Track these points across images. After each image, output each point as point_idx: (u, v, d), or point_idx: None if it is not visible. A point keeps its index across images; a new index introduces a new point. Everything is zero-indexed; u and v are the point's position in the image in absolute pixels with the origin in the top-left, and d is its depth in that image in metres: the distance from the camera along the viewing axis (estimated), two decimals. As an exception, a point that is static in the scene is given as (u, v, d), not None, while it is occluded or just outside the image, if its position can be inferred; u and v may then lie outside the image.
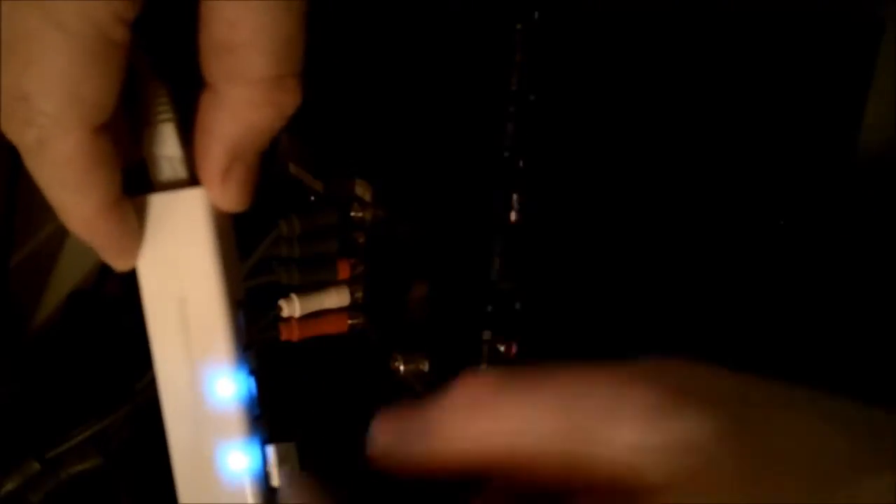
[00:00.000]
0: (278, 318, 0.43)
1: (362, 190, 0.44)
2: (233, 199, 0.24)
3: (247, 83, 0.22)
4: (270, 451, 0.26)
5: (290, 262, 0.43)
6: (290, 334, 0.43)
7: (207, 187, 0.24)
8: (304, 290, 0.43)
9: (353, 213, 0.44)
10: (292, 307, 0.42)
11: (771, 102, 0.43)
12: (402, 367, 0.40)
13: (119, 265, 0.25)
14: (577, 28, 0.36)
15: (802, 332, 0.49)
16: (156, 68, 0.24)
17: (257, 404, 0.26)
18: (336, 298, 0.44)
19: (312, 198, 0.48)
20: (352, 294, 0.44)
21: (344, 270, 0.44)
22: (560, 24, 0.36)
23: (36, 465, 0.42)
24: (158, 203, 0.24)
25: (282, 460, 0.26)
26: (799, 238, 0.46)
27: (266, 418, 0.27)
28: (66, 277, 0.61)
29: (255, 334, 0.43)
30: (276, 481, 0.26)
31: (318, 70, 0.46)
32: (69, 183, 0.22)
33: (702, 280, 0.45)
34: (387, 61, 0.41)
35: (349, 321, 0.44)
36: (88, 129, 0.21)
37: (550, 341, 0.41)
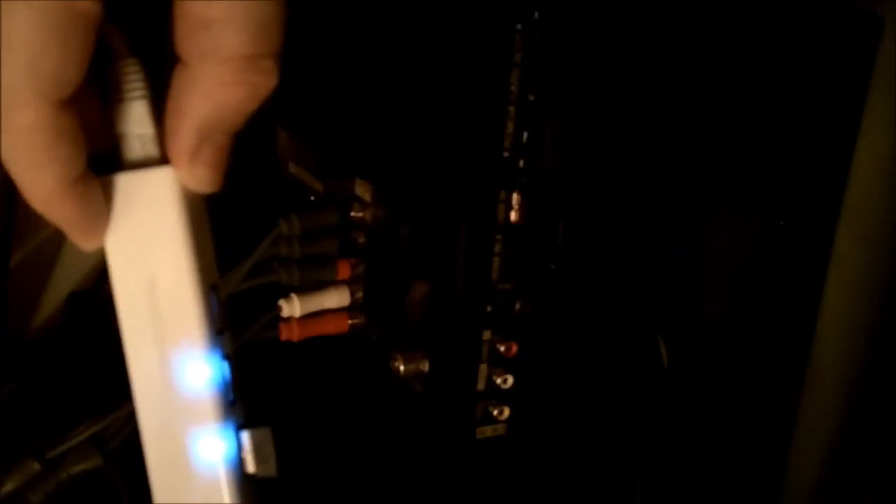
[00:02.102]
0: (278, 318, 0.43)
1: (362, 190, 0.44)
2: (201, 180, 0.24)
3: (220, 61, 0.22)
4: (245, 436, 0.25)
5: (290, 262, 0.43)
6: (290, 334, 0.43)
7: (176, 166, 0.24)
8: (304, 290, 0.43)
9: (353, 213, 0.44)
10: (292, 307, 0.42)
11: (770, 101, 0.43)
12: (402, 367, 0.40)
13: (85, 245, 0.24)
14: (576, 28, 0.36)
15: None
16: (130, 44, 0.24)
17: (231, 389, 0.26)
18: (336, 298, 0.44)
19: (312, 198, 0.48)
20: (352, 294, 0.44)
21: (344, 270, 0.44)
22: (560, 24, 0.36)
23: (36, 465, 0.42)
24: (127, 182, 0.24)
25: (257, 446, 0.25)
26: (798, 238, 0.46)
27: (241, 403, 0.26)
28: (66, 277, 0.61)
29: (255, 334, 0.43)
30: (251, 467, 0.26)
31: (318, 69, 0.47)
32: (28, 157, 0.22)
33: (702, 280, 0.45)
34: (386, 61, 0.41)
35: (349, 321, 0.44)
36: (49, 103, 0.21)
37: (550, 341, 0.41)
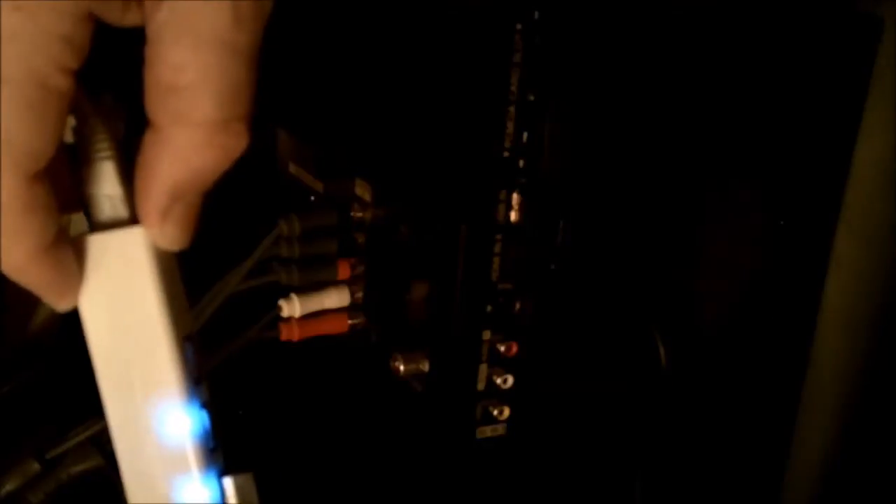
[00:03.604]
0: (278, 318, 0.43)
1: (362, 190, 0.44)
2: (172, 239, 0.24)
3: (192, 125, 0.22)
4: (228, 482, 0.26)
5: (290, 262, 0.43)
6: (290, 334, 0.43)
7: (146, 226, 0.24)
8: (304, 290, 0.43)
9: (353, 213, 0.44)
10: (292, 307, 0.42)
11: (770, 102, 0.43)
12: (402, 367, 0.40)
13: (59, 306, 0.24)
14: (576, 28, 0.36)
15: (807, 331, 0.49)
16: (96, 106, 0.24)
17: (212, 437, 0.26)
18: (336, 298, 0.44)
19: (312, 198, 0.48)
20: (352, 294, 0.44)
21: (344, 270, 0.44)
22: (560, 24, 0.36)
23: (36, 465, 0.42)
24: (98, 243, 0.24)
25: (240, 491, 0.26)
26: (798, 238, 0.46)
27: (221, 450, 0.26)
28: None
29: (256, 334, 0.43)
30: None
31: (318, 69, 0.47)
32: (0, 229, 0.22)
33: (701, 279, 0.45)
34: (386, 61, 0.41)
35: (349, 321, 0.44)
36: (21, 177, 0.21)
37: (550, 341, 0.41)
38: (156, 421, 0.25)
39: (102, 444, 0.42)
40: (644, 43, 0.38)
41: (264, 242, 0.42)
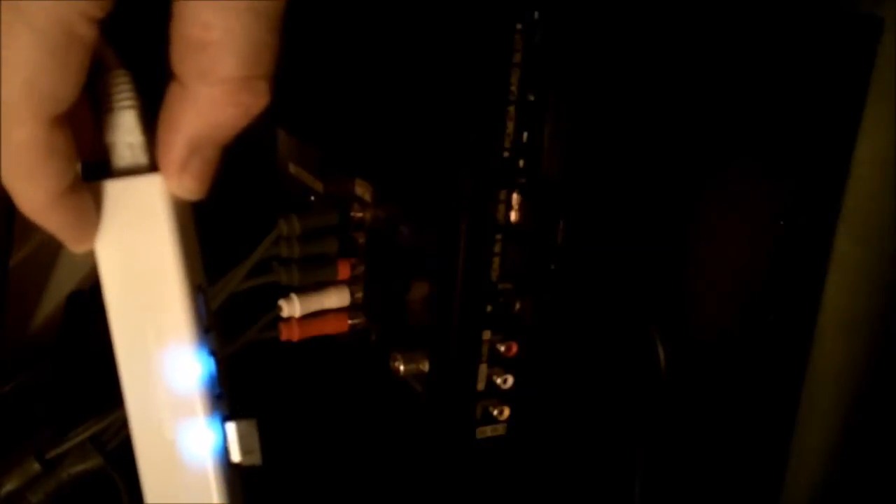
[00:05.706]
0: (278, 318, 0.43)
1: (362, 190, 0.44)
2: (189, 189, 0.25)
3: (215, 82, 0.23)
4: (231, 427, 0.26)
5: (290, 262, 0.43)
6: (290, 334, 0.43)
7: (165, 176, 0.25)
8: (304, 290, 0.43)
9: (353, 213, 0.44)
10: (292, 307, 0.42)
11: (770, 102, 0.43)
12: (402, 367, 0.40)
13: (76, 249, 0.25)
14: (576, 27, 0.36)
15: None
16: (119, 56, 0.25)
17: (218, 384, 0.27)
18: (336, 298, 0.44)
19: (312, 198, 0.48)
20: (352, 294, 0.44)
21: (344, 270, 0.44)
22: (560, 23, 0.36)
23: (36, 465, 0.42)
24: (117, 189, 0.25)
25: (242, 437, 0.26)
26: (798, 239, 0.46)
27: (226, 397, 0.27)
28: (66, 277, 0.61)
29: (255, 334, 0.43)
30: (237, 458, 0.26)
31: (318, 69, 0.47)
32: (22, 171, 0.23)
33: (701, 280, 0.45)
34: (386, 60, 0.41)
35: (349, 321, 0.44)
36: (44, 121, 0.22)
37: (550, 341, 0.41)
38: (165, 365, 0.25)
39: (102, 444, 0.42)
40: (644, 42, 0.38)
41: (264, 242, 0.42)
